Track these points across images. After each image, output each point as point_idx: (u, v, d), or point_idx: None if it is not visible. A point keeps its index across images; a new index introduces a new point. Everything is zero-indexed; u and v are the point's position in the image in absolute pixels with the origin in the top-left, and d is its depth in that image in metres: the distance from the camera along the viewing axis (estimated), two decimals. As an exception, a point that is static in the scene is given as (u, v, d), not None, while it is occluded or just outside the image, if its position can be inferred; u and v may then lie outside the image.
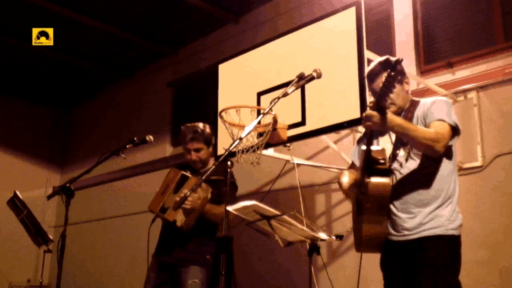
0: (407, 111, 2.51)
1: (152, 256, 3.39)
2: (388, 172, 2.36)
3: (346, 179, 2.49)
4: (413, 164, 2.42)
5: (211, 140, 3.51)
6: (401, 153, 2.46)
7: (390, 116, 2.27)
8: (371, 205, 2.31)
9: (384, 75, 2.21)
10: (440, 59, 4.18)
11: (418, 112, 2.47)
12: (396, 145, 2.49)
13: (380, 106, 2.23)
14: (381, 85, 2.21)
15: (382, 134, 2.58)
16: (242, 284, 4.46)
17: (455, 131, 2.37)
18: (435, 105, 2.42)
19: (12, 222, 4.75)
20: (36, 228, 4.44)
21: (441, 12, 4.28)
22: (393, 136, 2.50)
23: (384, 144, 2.53)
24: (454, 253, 2.35)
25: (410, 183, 2.41)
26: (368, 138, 2.37)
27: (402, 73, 2.52)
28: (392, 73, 2.18)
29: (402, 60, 2.20)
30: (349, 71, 3.30)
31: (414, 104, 2.52)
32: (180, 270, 3.24)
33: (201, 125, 3.47)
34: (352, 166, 2.75)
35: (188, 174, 3.33)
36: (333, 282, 3.74)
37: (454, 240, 2.36)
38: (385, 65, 2.22)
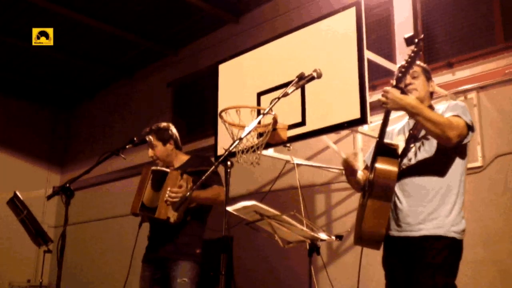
0: None
1: (142, 260, 3.41)
2: (396, 160, 2.37)
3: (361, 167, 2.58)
4: (423, 159, 2.43)
5: (165, 136, 3.47)
6: (413, 149, 2.48)
7: (407, 95, 2.34)
8: (376, 191, 2.31)
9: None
10: (440, 59, 4.18)
11: None
12: (409, 141, 2.50)
13: (399, 82, 2.32)
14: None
15: (398, 133, 2.61)
16: (241, 284, 4.46)
17: (470, 129, 2.38)
18: (450, 106, 2.46)
19: (12, 222, 4.76)
20: (36, 228, 4.46)
21: (441, 12, 4.28)
22: (407, 134, 2.53)
23: (398, 141, 2.55)
24: (454, 256, 2.35)
25: (417, 176, 2.42)
26: (385, 116, 2.40)
27: (428, 72, 2.61)
28: (416, 49, 2.30)
29: (423, 37, 2.35)
30: (349, 71, 3.30)
31: (431, 107, 2.54)
32: (170, 265, 3.23)
33: (161, 124, 3.53)
34: (366, 168, 2.74)
35: (163, 168, 3.36)
36: (333, 282, 3.74)
37: (455, 243, 2.35)
38: (408, 42, 2.36)
